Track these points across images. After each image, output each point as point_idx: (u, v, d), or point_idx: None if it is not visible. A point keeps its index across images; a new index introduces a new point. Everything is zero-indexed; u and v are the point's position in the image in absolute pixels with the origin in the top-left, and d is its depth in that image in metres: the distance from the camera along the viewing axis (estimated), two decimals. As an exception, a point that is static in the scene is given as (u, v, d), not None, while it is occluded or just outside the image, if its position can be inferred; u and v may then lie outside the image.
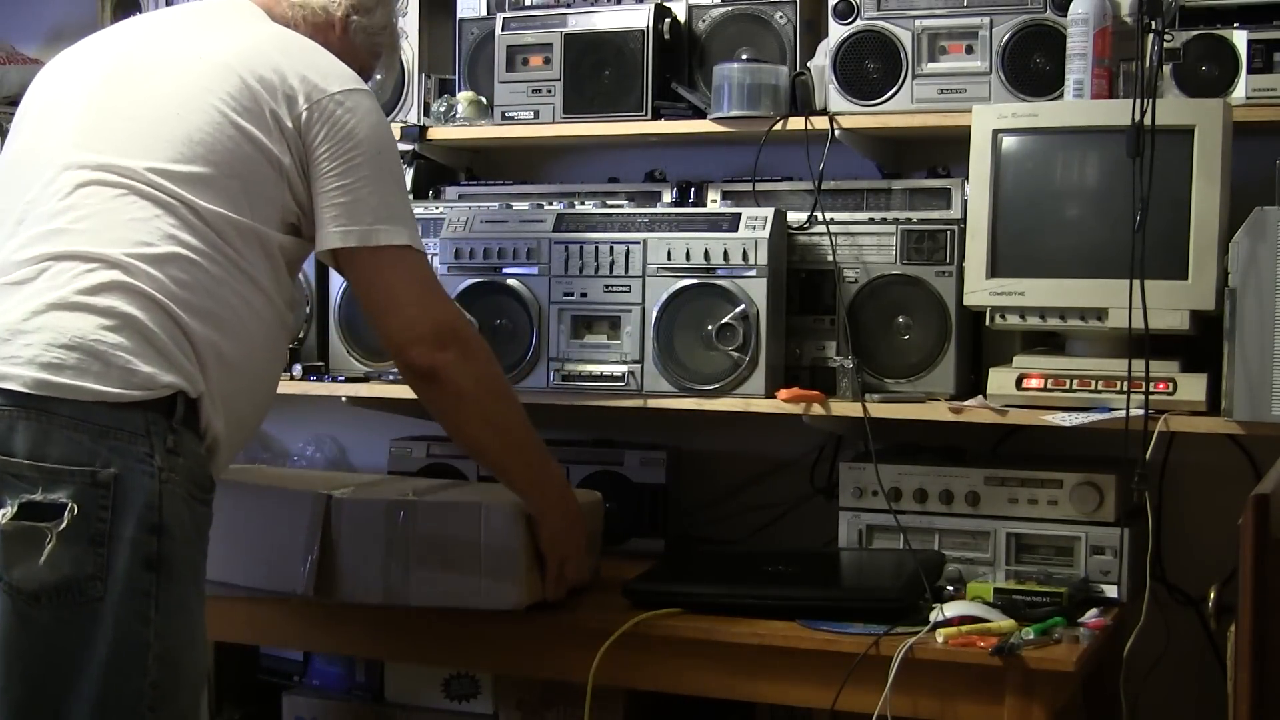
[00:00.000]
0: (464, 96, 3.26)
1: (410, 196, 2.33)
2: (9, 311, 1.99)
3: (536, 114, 3.16)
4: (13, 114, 3.72)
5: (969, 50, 2.85)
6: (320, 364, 3.18)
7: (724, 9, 3.09)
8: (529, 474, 2.45)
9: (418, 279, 2.26)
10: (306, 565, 2.52)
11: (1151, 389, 2.54)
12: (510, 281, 2.92)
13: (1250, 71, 2.65)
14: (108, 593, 1.93)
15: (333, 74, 2.22)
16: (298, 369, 3.15)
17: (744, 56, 3.01)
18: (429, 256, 2.38)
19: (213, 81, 2.15)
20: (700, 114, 3.04)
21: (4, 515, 1.90)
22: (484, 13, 3.28)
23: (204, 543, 2.10)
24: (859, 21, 2.90)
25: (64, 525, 1.90)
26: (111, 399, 1.95)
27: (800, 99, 2.96)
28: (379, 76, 2.52)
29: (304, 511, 2.52)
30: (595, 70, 3.11)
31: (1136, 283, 2.51)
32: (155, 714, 1.97)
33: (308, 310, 3.20)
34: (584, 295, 2.89)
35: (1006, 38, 2.82)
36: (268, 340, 2.18)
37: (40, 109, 2.25)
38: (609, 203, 3.07)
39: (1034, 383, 2.66)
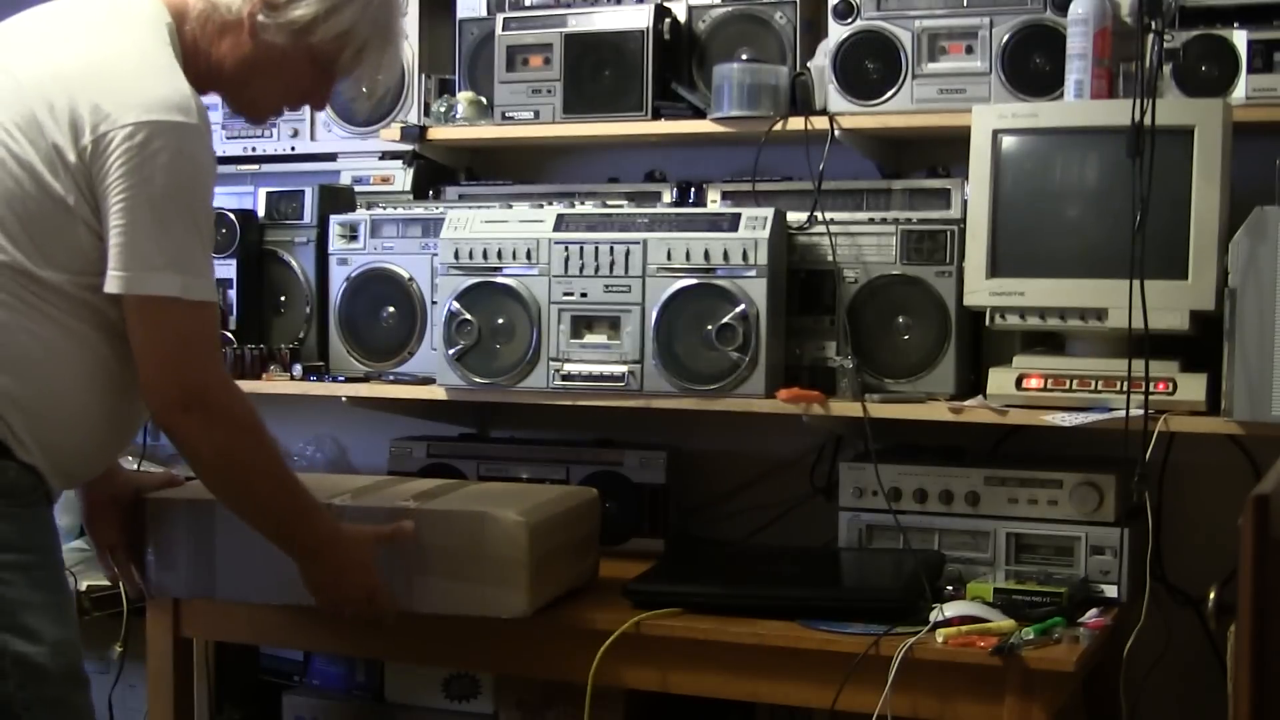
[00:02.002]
0: (464, 96, 3.26)
1: (211, 241, 2.18)
2: None
3: (536, 114, 3.16)
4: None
5: (969, 50, 2.85)
6: (320, 364, 3.18)
7: (724, 9, 3.09)
8: (274, 533, 2.34)
9: (178, 334, 2.10)
10: None
11: (1151, 389, 2.54)
12: (510, 281, 2.92)
13: (1250, 71, 2.65)
14: None
15: (132, 103, 2.04)
16: (298, 369, 3.15)
17: (744, 56, 3.02)
18: (217, 311, 2.21)
19: (4, 109, 2.06)
20: (700, 114, 3.04)
21: None
22: (484, 13, 3.29)
23: (39, 541, 2.09)
24: (859, 21, 2.90)
25: None
26: None
27: (800, 99, 2.96)
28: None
29: None
30: (595, 70, 3.11)
31: (1136, 283, 2.51)
32: (30, 713, 1.99)
33: (308, 310, 3.20)
34: (584, 295, 2.89)
35: (1006, 38, 2.82)
36: (80, 376, 2.11)
37: None
38: (609, 203, 3.07)
39: (1034, 383, 2.66)
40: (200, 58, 2.22)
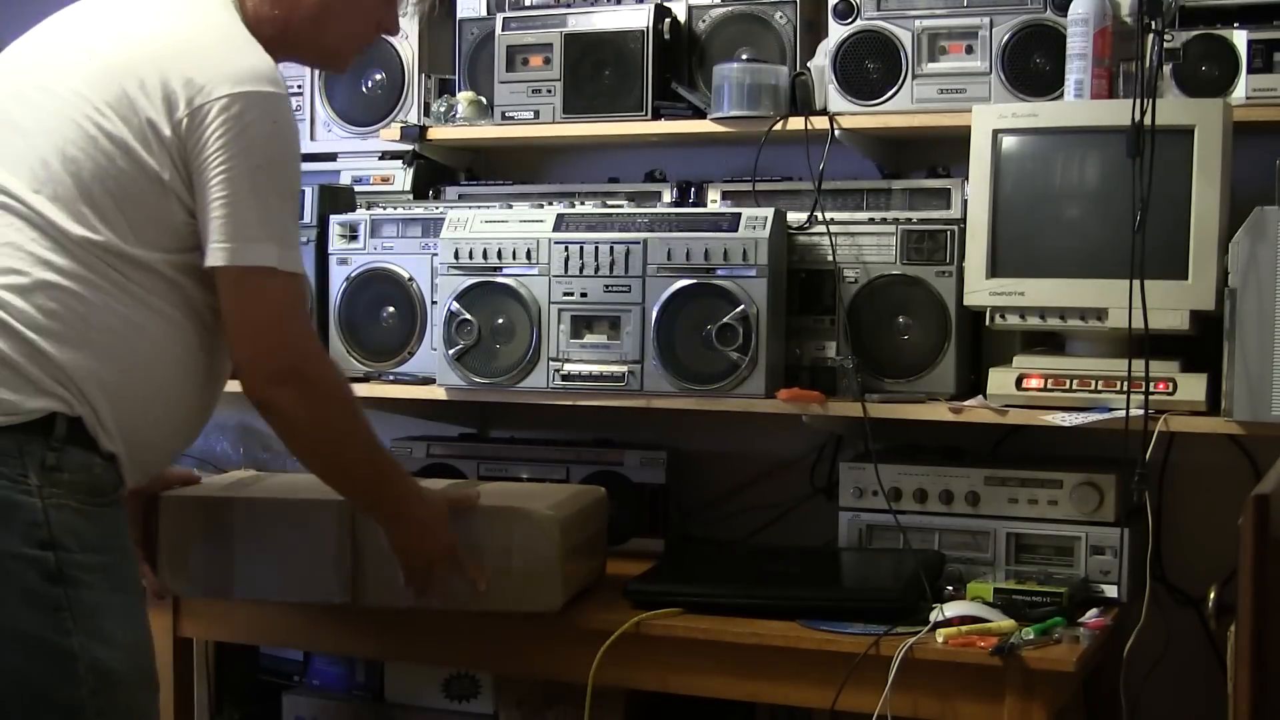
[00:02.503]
0: (464, 96, 3.26)
1: (299, 212, 2.19)
2: None
3: (536, 114, 3.16)
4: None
5: (969, 50, 2.85)
6: (320, 364, 3.17)
7: (724, 9, 3.09)
8: (363, 500, 2.38)
9: (275, 306, 2.12)
10: (340, 573, 2.52)
11: (1151, 389, 2.54)
12: (510, 281, 2.92)
13: (1250, 71, 2.65)
14: (2, 608, 1.93)
15: (224, 74, 2.05)
16: (298, 369, 3.15)
17: (744, 56, 3.02)
18: (307, 283, 2.25)
19: (92, 88, 2.05)
20: (700, 114, 3.04)
21: None
22: (484, 13, 3.29)
23: (116, 541, 2.08)
24: (859, 21, 2.90)
25: None
26: None
27: (800, 99, 2.96)
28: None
29: (329, 521, 2.52)
30: (595, 70, 3.11)
31: (1136, 283, 2.51)
32: (101, 718, 1.98)
33: (308, 310, 3.20)
34: (584, 295, 2.89)
35: (1006, 38, 2.82)
36: (166, 360, 2.10)
37: None
38: (609, 203, 3.07)
39: (1034, 383, 2.66)
40: (264, 25, 2.21)
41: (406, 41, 3.33)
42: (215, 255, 2.06)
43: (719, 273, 2.81)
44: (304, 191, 3.23)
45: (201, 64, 2.06)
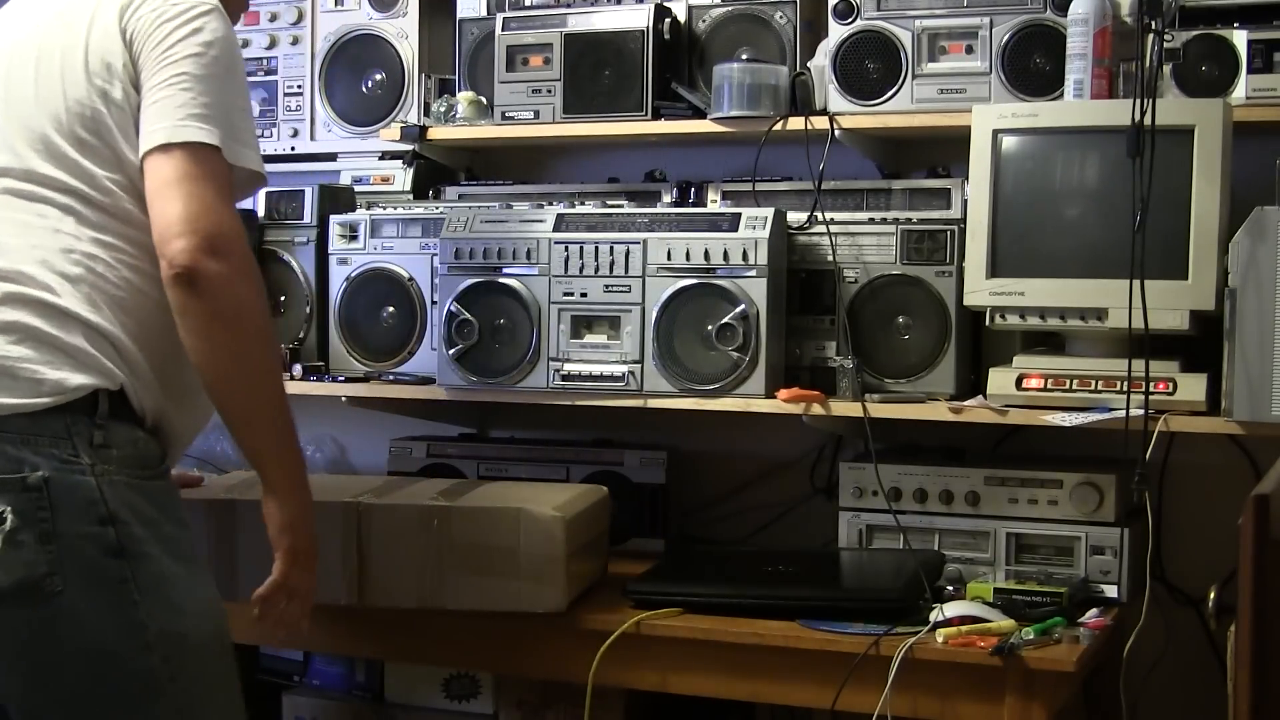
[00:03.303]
0: (464, 96, 3.26)
1: (254, 116, 2.20)
2: None
3: (536, 114, 3.16)
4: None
5: (969, 50, 2.85)
6: (320, 364, 3.18)
7: (724, 9, 3.09)
8: (272, 436, 2.14)
9: (214, 183, 2.03)
10: (346, 574, 2.52)
11: (1151, 389, 2.54)
12: (510, 281, 2.92)
13: (1250, 71, 2.65)
14: (68, 585, 1.96)
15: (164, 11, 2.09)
16: (298, 369, 3.15)
17: (744, 56, 3.02)
18: (263, 185, 2.19)
19: (66, 55, 2.10)
20: (700, 114, 3.04)
21: None
22: (484, 13, 3.29)
23: (172, 513, 2.09)
24: (859, 21, 2.90)
25: (6, 531, 1.94)
26: (25, 409, 1.98)
27: (800, 99, 2.96)
28: None
29: (334, 521, 2.52)
30: (595, 70, 3.11)
31: (1136, 283, 2.51)
32: (176, 684, 2.01)
33: (308, 310, 3.20)
34: (584, 295, 2.88)
35: (1006, 38, 2.82)
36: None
37: None
38: (609, 203, 3.07)
39: (1034, 383, 2.66)
40: None
41: (406, 41, 3.33)
42: (152, 137, 2.05)
43: (719, 273, 2.81)
44: (304, 191, 3.24)
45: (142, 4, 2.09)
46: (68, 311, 2.01)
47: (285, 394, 2.18)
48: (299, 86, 3.41)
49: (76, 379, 2.00)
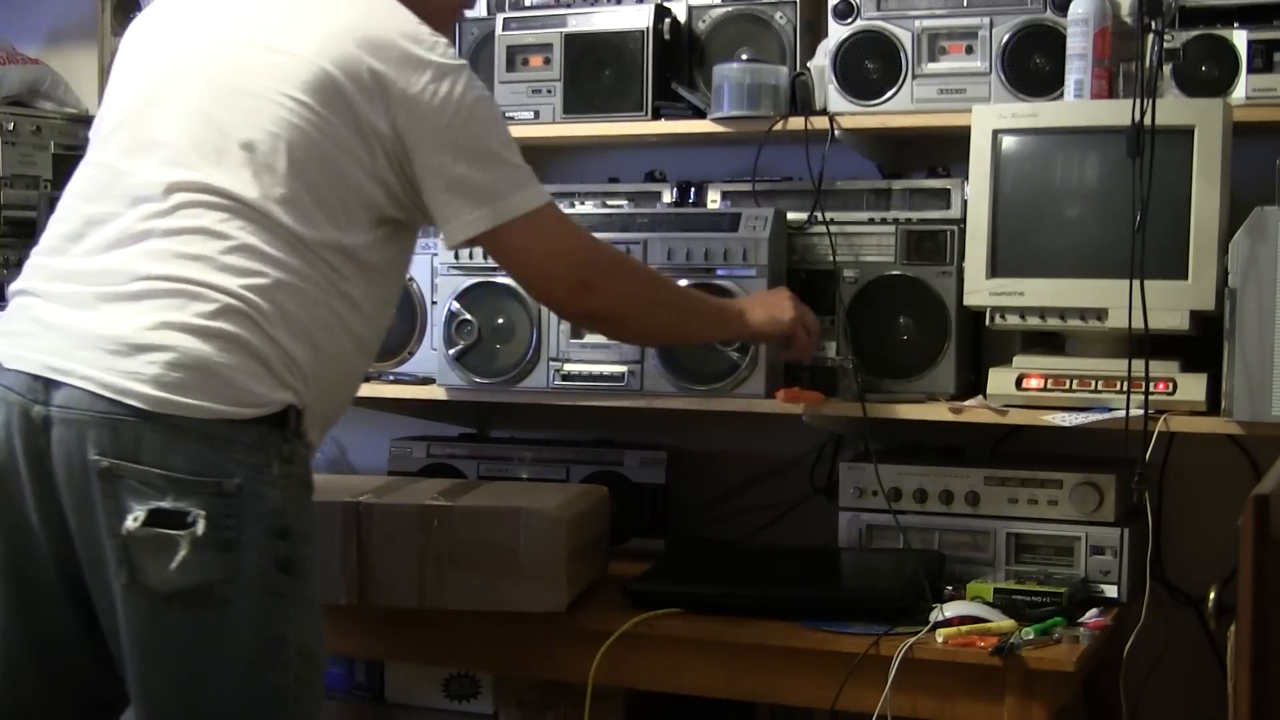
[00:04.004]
0: (464, 96, 3.25)
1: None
2: (118, 324, 2.00)
3: (536, 114, 3.16)
4: (12, 114, 3.73)
5: (969, 50, 2.85)
6: (320, 364, 3.17)
7: (724, 9, 3.09)
8: (716, 333, 2.66)
9: (544, 234, 2.23)
10: (346, 573, 2.52)
11: (1151, 389, 2.54)
12: (510, 281, 2.92)
13: (1250, 71, 2.64)
14: (239, 595, 1.98)
15: (416, 56, 2.11)
16: (298, 369, 3.14)
17: (744, 56, 3.01)
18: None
19: (296, 87, 2.07)
20: (700, 114, 3.04)
21: (134, 520, 1.95)
22: (484, 13, 3.28)
23: (315, 530, 2.14)
24: (859, 21, 2.90)
25: (197, 534, 1.96)
26: (230, 416, 2.00)
27: (800, 99, 2.96)
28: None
29: (334, 521, 2.52)
30: (595, 70, 3.11)
31: (1136, 283, 2.51)
32: (299, 704, 2.04)
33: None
34: (584, 295, 2.88)
35: (1006, 38, 2.82)
36: (352, 347, 2.16)
37: (129, 103, 2.18)
38: (609, 203, 3.07)
39: (1034, 383, 2.66)
40: None
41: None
42: (481, 221, 2.15)
43: (719, 272, 2.80)
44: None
45: (388, 44, 2.10)
46: (271, 335, 2.03)
47: (698, 310, 2.58)
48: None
49: (279, 394, 2.03)
